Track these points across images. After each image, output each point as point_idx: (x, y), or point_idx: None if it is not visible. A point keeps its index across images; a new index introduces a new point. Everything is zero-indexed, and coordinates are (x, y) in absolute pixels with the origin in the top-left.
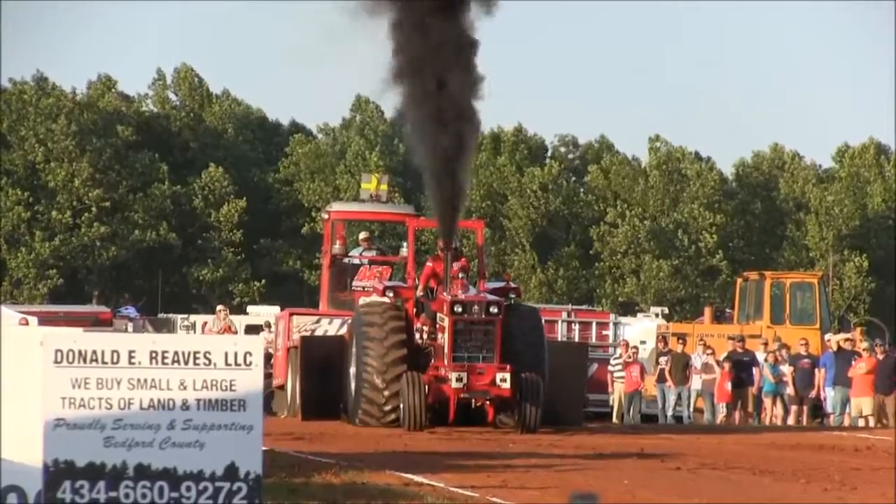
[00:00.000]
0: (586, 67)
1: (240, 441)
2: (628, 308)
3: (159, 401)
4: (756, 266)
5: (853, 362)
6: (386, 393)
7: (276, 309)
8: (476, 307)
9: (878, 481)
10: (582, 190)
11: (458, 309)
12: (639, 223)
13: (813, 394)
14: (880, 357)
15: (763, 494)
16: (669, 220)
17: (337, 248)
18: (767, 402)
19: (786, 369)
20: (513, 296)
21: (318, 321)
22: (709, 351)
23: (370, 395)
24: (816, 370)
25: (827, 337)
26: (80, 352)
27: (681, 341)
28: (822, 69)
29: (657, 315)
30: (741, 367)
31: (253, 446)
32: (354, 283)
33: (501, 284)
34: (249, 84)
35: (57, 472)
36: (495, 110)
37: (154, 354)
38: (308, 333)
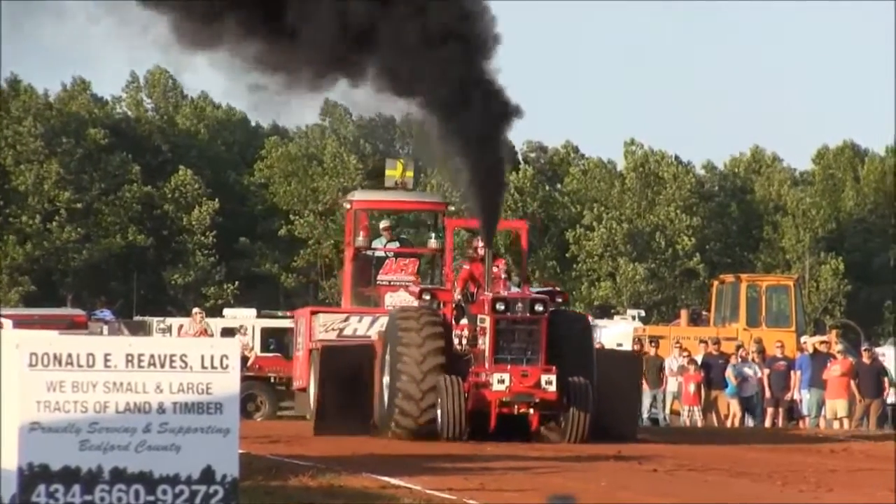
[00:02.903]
0: (554, 72)
1: (216, 444)
2: (605, 311)
3: (135, 404)
4: (733, 268)
5: (828, 365)
6: (422, 403)
7: (252, 312)
8: (520, 304)
9: (854, 483)
10: (556, 193)
11: (501, 307)
12: (616, 226)
13: (788, 396)
14: (866, 362)
15: (740, 495)
16: (646, 222)
17: (361, 239)
18: (734, 403)
19: (750, 370)
20: (559, 300)
21: (346, 319)
22: (685, 353)
23: (404, 406)
24: (792, 373)
25: (803, 339)
26: (55, 355)
27: (653, 344)
28: (798, 70)
29: (634, 318)
30: (715, 370)
31: (229, 449)
32: (380, 277)
33: (546, 289)
34: (225, 86)
35: (32, 476)
36: None
37: (130, 357)
38: (336, 333)
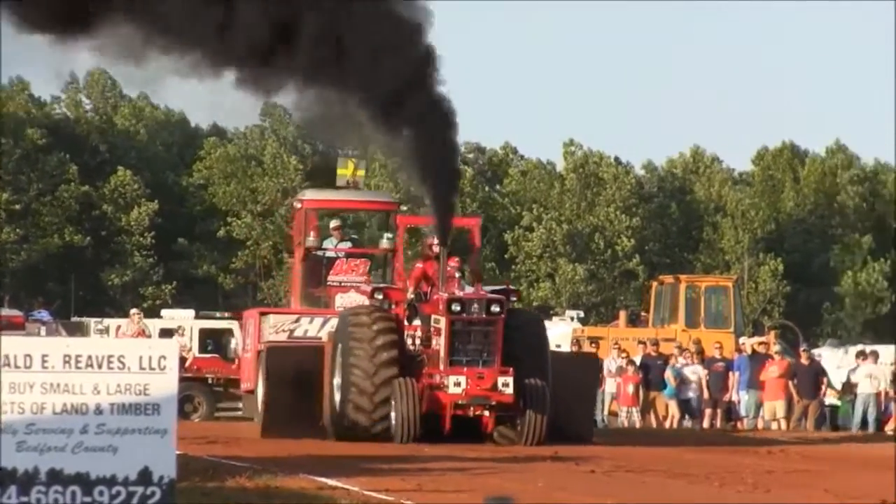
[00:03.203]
0: (492, 72)
1: (154, 445)
2: (544, 312)
3: (73, 405)
4: (672, 269)
5: (766, 366)
6: (376, 398)
7: (190, 313)
8: (476, 305)
9: (791, 483)
10: (496, 194)
11: (457, 307)
12: (555, 227)
13: (727, 397)
14: (805, 363)
15: (677, 496)
16: (585, 223)
17: (311, 240)
18: (672, 404)
19: (689, 372)
20: (513, 299)
21: (297, 320)
22: (623, 354)
23: (358, 401)
24: (730, 374)
25: (741, 340)
26: None
27: (592, 345)
28: (737, 71)
29: (573, 319)
30: (653, 371)
31: (167, 450)
32: (330, 278)
33: (500, 287)
34: (166, 88)
35: None
36: None
37: (67, 358)
38: (286, 334)
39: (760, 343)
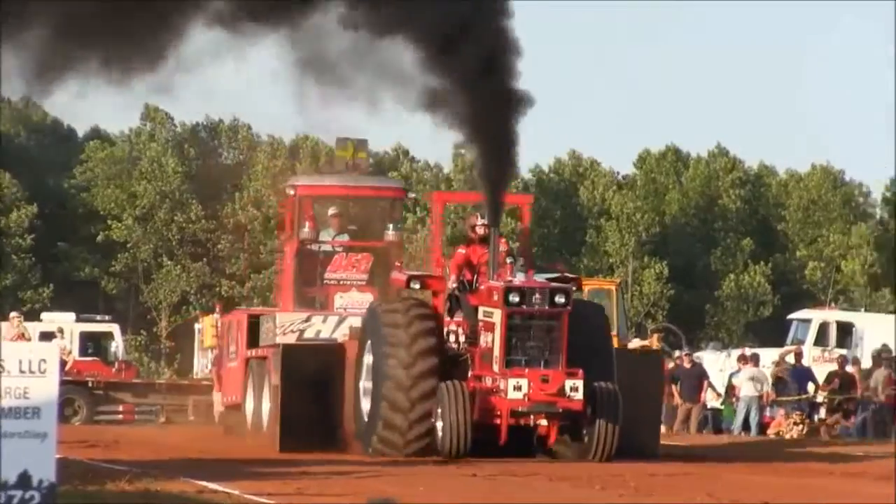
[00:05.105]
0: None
1: (33, 449)
2: None
3: None
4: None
5: None
6: (412, 415)
7: (70, 316)
8: (538, 295)
9: (673, 487)
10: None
11: (515, 298)
12: None
13: None
14: (687, 366)
15: (559, 499)
16: None
17: (306, 231)
18: None
19: None
20: (574, 287)
21: (307, 319)
22: None
23: (390, 418)
24: None
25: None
26: None
27: None
28: (619, 75)
29: None
30: None
31: (46, 454)
32: (327, 276)
33: (554, 274)
34: (50, 90)
35: None
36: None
37: None
38: (296, 336)
39: (643, 346)
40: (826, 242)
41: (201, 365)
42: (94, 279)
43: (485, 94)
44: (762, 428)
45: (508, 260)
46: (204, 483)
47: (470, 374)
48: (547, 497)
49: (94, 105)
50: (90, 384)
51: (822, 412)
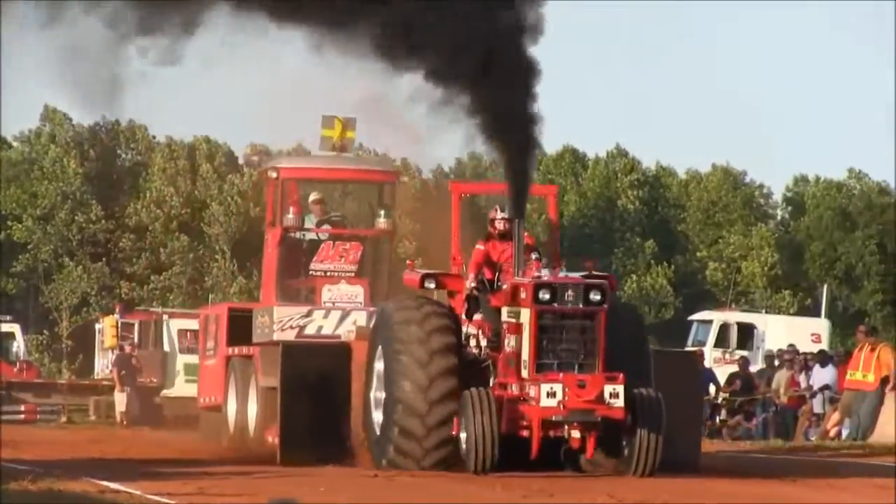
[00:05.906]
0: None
1: None
2: None
3: None
4: None
5: None
6: (430, 419)
7: None
8: (571, 292)
9: (575, 488)
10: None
11: (545, 295)
12: None
13: None
14: None
15: (455, 498)
16: None
17: (290, 218)
18: None
19: None
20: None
21: (308, 314)
22: None
23: (407, 424)
24: None
25: None
26: None
27: None
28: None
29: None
30: None
31: None
32: (313, 266)
33: (582, 272)
34: None
35: None
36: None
37: None
38: (295, 332)
39: None
40: (727, 243)
41: (102, 365)
42: None
43: (504, 83)
44: None
45: (534, 256)
46: (105, 483)
47: (493, 381)
48: (443, 496)
49: None
50: None
51: (724, 413)
